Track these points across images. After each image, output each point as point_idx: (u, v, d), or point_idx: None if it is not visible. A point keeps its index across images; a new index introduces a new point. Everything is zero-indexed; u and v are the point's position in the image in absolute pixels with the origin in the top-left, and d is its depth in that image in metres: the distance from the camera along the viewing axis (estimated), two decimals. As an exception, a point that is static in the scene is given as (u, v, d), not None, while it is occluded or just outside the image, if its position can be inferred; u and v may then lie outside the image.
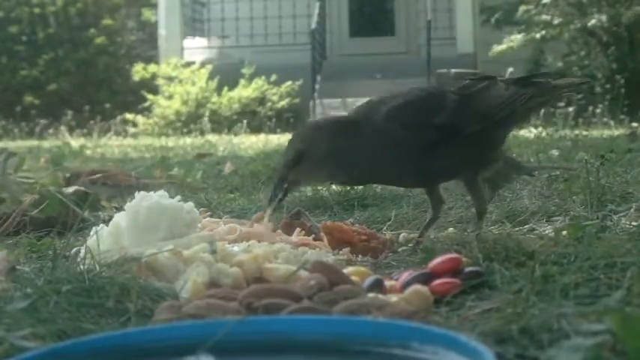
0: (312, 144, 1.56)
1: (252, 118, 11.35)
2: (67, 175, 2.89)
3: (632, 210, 1.87)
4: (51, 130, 11.26)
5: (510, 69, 9.35)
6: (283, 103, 11.72)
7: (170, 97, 12.02)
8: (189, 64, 12.29)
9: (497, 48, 11.12)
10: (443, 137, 1.56)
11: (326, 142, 1.56)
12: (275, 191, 1.60)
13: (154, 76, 12.67)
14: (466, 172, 1.63)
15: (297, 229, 1.69)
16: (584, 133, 6.22)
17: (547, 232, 1.69)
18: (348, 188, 2.43)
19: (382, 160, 1.57)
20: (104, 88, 15.28)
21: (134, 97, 13.46)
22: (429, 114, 1.58)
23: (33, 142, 8.80)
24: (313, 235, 1.67)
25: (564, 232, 1.53)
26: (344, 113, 1.67)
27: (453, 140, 1.57)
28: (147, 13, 16.71)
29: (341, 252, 1.56)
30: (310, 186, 1.71)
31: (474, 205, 1.66)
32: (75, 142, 8.20)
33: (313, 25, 11.68)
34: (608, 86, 9.87)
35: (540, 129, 6.39)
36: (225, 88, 11.72)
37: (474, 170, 1.63)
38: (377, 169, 1.59)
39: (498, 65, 10.08)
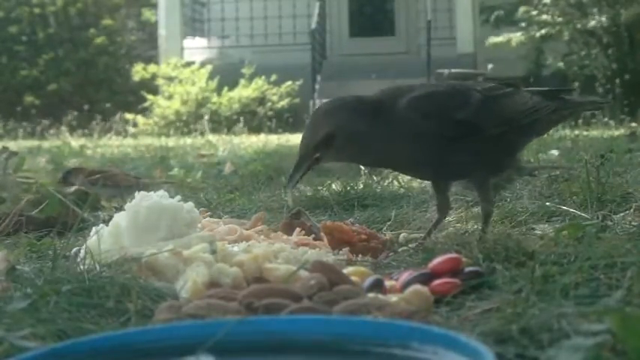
0: (339, 126, 1.53)
1: (252, 118, 11.35)
2: (65, 171, 2.87)
3: (632, 210, 1.87)
4: (52, 131, 11.25)
5: (490, 65, 9.33)
6: (283, 103, 11.72)
7: (170, 97, 12.02)
8: (189, 64, 12.29)
9: (493, 40, 11.10)
10: (461, 134, 1.55)
11: (353, 123, 1.53)
12: (297, 169, 1.57)
13: (153, 76, 12.67)
14: (479, 173, 1.62)
15: (297, 229, 1.69)
16: (584, 133, 6.22)
17: (547, 232, 1.69)
18: (348, 188, 2.43)
19: (400, 147, 1.56)
20: (104, 88, 15.28)
21: (134, 97, 13.46)
22: (451, 108, 1.57)
23: (34, 142, 8.79)
24: (313, 235, 1.67)
25: (564, 232, 1.53)
26: (368, 94, 1.63)
27: (471, 139, 1.56)
28: (147, 13, 16.71)
29: (341, 252, 1.56)
30: (333, 162, 1.68)
31: (481, 208, 1.66)
32: (75, 142, 8.20)
33: (313, 25, 11.68)
34: (608, 86, 9.86)
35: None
36: (225, 88, 11.72)
37: (487, 173, 1.63)
38: (394, 156, 1.58)
39: (499, 64, 10.08)
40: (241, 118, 10.88)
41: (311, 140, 1.55)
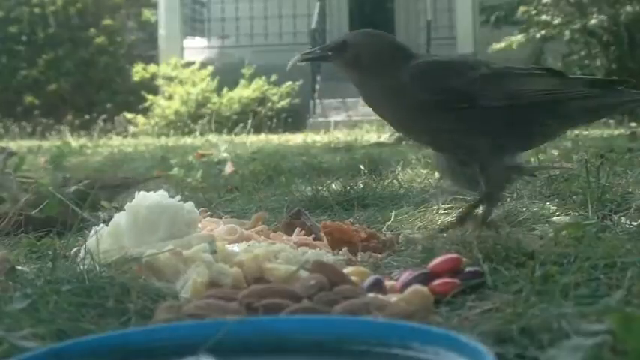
0: (357, 44, 1.62)
1: (252, 118, 11.35)
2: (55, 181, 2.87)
3: (632, 210, 1.87)
4: (54, 132, 11.25)
5: None
6: (283, 103, 11.72)
7: (170, 98, 12.02)
8: (189, 64, 12.29)
9: (496, 46, 11.10)
10: (452, 101, 1.56)
11: (367, 53, 1.61)
12: (311, 51, 1.69)
13: (153, 76, 12.67)
14: (482, 151, 1.60)
15: (297, 229, 1.69)
16: (584, 133, 6.21)
17: (547, 232, 1.69)
18: (348, 188, 2.43)
19: (398, 108, 1.61)
20: (104, 88, 15.28)
21: (134, 97, 13.46)
22: (447, 77, 1.59)
23: (34, 142, 8.80)
24: (313, 235, 1.67)
25: (564, 232, 1.53)
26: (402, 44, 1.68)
27: (467, 109, 1.57)
28: (147, 13, 16.70)
29: (341, 252, 1.56)
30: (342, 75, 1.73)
31: (483, 188, 1.63)
32: (75, 142, 8.20)
33: (313, 25, 11.68)
34: (607, 86, 9.83)
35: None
36: (225, 89, 11.72)
37: (492, 152, 1.60)
38: (387, 110, 1.65)
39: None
40: (249, 119, 10.85)
41: (334, 39, 1.67)
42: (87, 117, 12.97)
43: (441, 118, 1.58)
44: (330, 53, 1.65)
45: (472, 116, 1.58)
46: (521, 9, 11.21)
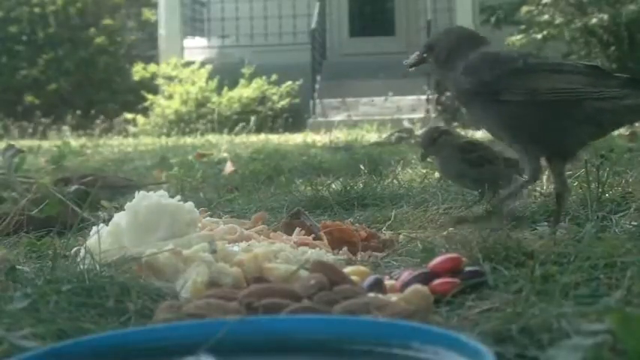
0: (436, 44, 1.76)
1: (253, 117, 11.35)
2: (57, 178, 2.87)
3: (632, 210, 1.87)
4: (55, 132, 11.24)
5: None
6: (283, 103, 11.71)
7: (170, 97, 12.01)
8: (189, 63, 12.28)
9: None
10: (485, 93, 1.65)
11: (443, 50, 1.74)
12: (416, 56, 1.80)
13: (153, 76, 12.66)
14: (514, 142, 1.68)
15: (297, 229, 1.69)
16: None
17: (547, 232, 1.69)
18: (348, 188, 2.43)
19: (456, 96, 1.76)
20: (104, 87, 15.27)
21: (134, 97, 13.45)
22: (483, 69, 1.67)
23: (34, 142, 8.79)
24: (313, 235, 1.67)
25: (564, 232, 1.53)
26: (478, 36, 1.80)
27: (493, 102, 1.64)
28: (147, 13, 16.70)
29: (341, 252, 1.56)
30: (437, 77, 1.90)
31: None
32: (75, 142, 8.20)
33: (313, 25, 11.67)
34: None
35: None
36: (225, 88, 11.71)
37: (522, 142, 1.67)
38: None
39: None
40: (249, 119, 10.83)
41: (425, 41, 1.80)
42: (87, 117, 12.96)
43: (473, 107, 1.71)
44: (424, 55, 1.77)
45: (495, 108, 1.65)
46: (524, 9, 11.20)
